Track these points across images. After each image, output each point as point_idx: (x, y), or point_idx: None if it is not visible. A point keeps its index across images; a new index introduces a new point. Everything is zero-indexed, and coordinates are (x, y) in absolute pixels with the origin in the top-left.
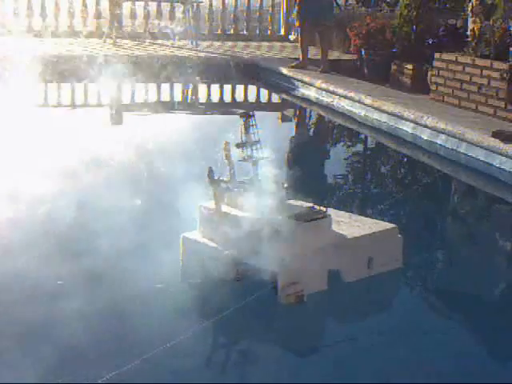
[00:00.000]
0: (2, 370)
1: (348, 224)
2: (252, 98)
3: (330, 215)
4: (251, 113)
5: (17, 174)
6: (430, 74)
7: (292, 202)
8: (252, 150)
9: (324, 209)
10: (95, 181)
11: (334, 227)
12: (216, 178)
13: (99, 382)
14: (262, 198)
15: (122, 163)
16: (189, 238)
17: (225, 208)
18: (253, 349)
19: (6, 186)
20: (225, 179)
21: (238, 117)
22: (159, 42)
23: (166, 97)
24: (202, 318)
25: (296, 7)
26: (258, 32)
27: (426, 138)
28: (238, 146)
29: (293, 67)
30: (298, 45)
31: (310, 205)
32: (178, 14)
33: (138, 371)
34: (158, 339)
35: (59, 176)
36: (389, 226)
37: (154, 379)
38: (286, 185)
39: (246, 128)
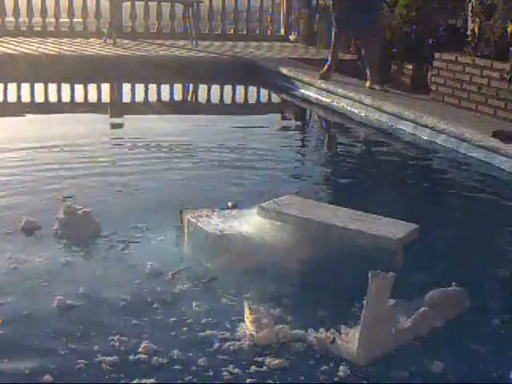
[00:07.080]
0: None
1: None
2: (252, 98)
3: None
4: None
5: None
6: (430, 74)
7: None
8: None
9: None
10: None
11: None
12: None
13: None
14: None
15: None
16: None
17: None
18: None
19: None
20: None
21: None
22: (158, 41)
23: (166, 96)
24: None
25: (333, 13)
26: (257, 32)
27: (425, 138)
28: None
29: (321, 75)
30: (329, 52)
31: None
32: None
33: None
34: None
35: None
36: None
37: None
38: None
39: None
